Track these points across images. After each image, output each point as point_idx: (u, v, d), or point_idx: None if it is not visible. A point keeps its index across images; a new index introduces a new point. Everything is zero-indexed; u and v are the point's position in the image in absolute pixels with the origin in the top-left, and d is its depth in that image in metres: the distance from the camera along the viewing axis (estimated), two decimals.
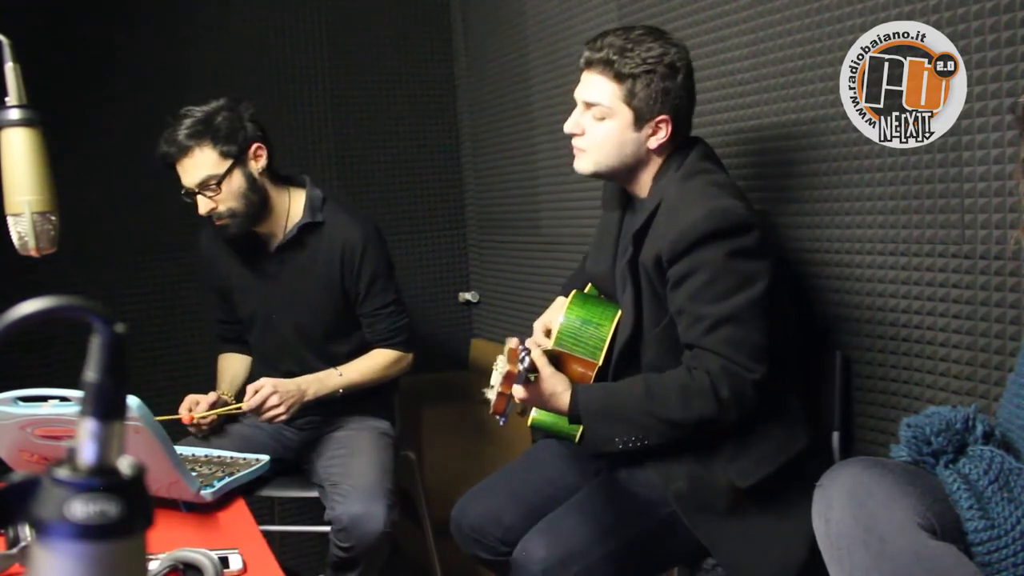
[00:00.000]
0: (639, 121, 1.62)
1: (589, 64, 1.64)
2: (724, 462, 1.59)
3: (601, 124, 1.64)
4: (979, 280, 1.51)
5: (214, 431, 2.19)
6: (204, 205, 2.07)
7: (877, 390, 1.73)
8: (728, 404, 1.51)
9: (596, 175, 1.70)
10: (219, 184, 2.05)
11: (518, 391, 1.51)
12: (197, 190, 2.06)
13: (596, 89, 1.63)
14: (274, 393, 2.04)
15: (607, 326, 1.71)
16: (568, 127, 1.68)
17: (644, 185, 1.69)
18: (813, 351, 1.82)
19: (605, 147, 1.64)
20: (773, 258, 1.58)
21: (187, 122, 2.04)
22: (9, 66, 1.34)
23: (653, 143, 1.64)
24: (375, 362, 2.25)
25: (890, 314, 1.68)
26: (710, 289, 1.52)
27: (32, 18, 2.55)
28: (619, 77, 1.60)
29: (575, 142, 1.68)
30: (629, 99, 1.61)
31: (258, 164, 2.12)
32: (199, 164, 2.04)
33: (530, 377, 1.53)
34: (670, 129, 1.63)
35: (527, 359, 1.46)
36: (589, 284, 1.89)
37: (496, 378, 1.47)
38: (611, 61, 1.60)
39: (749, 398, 1.52)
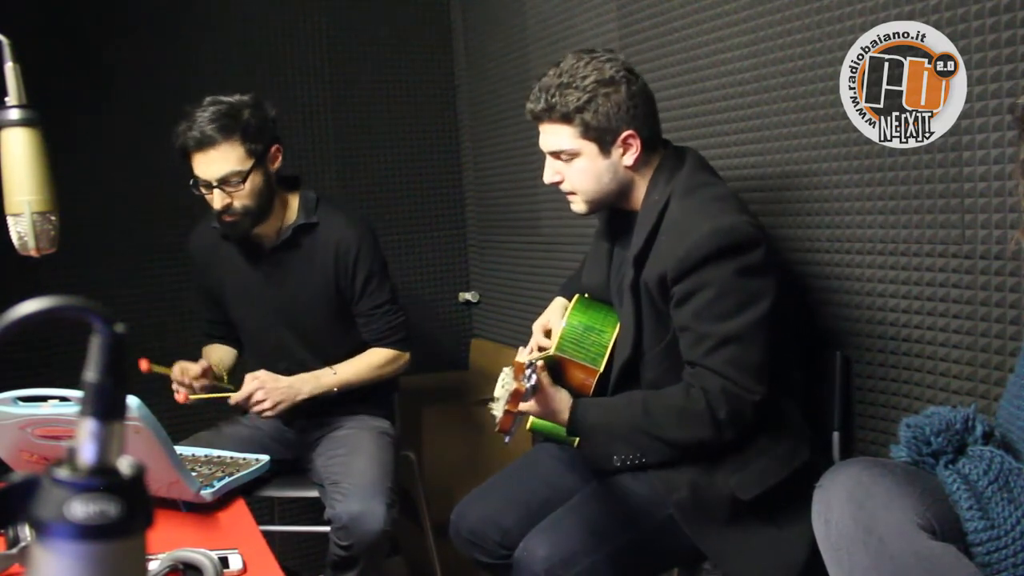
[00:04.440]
0: (604, 147, 1.61)
1: (536, 117, 1.65)
2: (726, 474, 1.59)
3: (572, 165, 1.64)
4: (979, 280, 1.51)
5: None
6: (220, 200, 2.03)
7: (877, 390, 1.73)
8: (725, 425, 1.52)
9: (593, 211, 1.71)
10: (243, 181, 2.02)
11: (524, 406, 1.52)
12: (216, 184, 2.02)
13: (553, 137, 1.63)
14: (260, 388, 2.05)
15: (609, 333, 1.71)
16: (547, 179, 1.68)
17: (638, 202, 1.68)
18: (813, 351, 1.83)
19: (586, 184, 1.65)
20: (778, 272, 1.58)
21: (212, 112, 1.99)
22: (9, 66, 1.34)
23: (628, 160, 1.63)
24: (370, 361, 2.25)
25: (890, 314, 1.68)
26: (716, 307, 1.51)
27: (32, 18, 2.55)
28: (566, 118, 1.60)
29: (562, 187, 1.68)
30: (585, 133, 1.60)
31: (274, 166, 2.11)
32: (224, 158, 2.00)
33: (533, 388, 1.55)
34: (639, 141, 1.62)
35: (534, 376, 1.45)
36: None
37: (502, 394, 1.46)
38: (552, 106, 1.60)
39: (747, 418, 1.53)
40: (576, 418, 1.58)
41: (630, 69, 1.63)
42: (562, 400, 1.59)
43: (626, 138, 1.61)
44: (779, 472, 1.59)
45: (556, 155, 1.66)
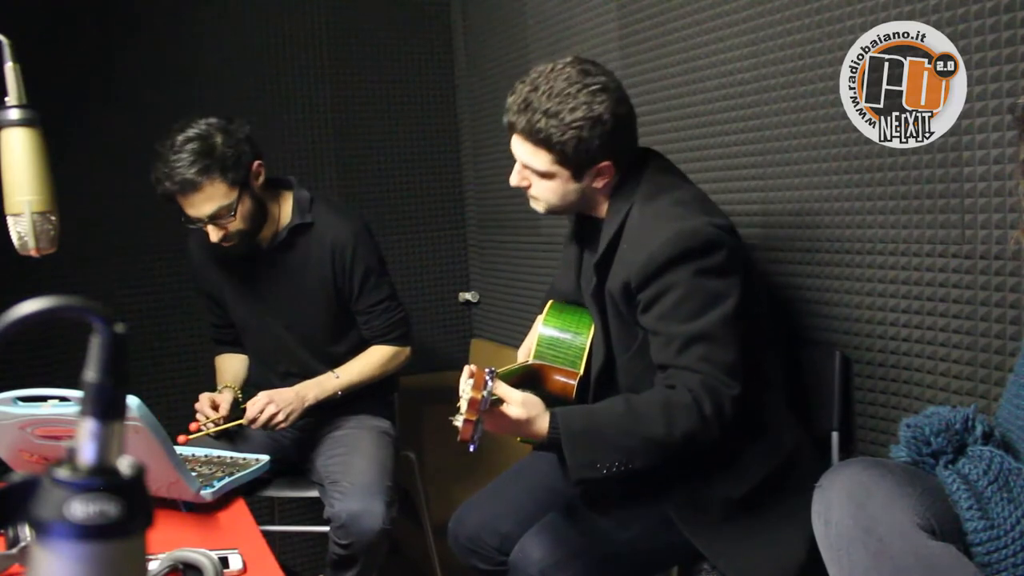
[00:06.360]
0: (578, 174, 1.58)
1: (513, 128, 1.58)
2: (716, 472, 1.59)
3: (542, 181, 1.61)
4: (979, 280, 1.51)
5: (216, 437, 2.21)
6: (216, 233, 2.03)
7: (877, 390, 1.73)
8: (711, 419, 1.49)
9: (552, 214, 1.70)
10: (234, 212, 2.01)
11: (490, 422, 1.45)
12: (207, 220, 2.01)
13: (528, 156, 1.58)
14: (270, 403, 2.07)
15: (585, 334, 1.70)
16: (513, 182, 1.65)
17: (602, 209, 1.67)
18: (813, 351, 1.83)
19: (552, 198, 1.63)
20: (743, 272, 1.56)
21: (188, 153, 1.95)
22: (9, 66, 1.34)
23: (599, 184, 1.61)
24: (372, 359, 2.26)
25: (890, 314, 1.68)
26: (680, 309, 1.51)
27: (32, 18, 2.55)
28: (547, 145, 1.54)
29: (527, 191, 1.66)
30: (563, 161, 1.56)
31: (259, 181, 2.10)
32: (209, 198, 1.98)
33: (494, 402, 1.45)
34: (613, 170, 1.60)
35: (490, 383, 1.39)
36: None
37: (462, 405, 1.42)
38: (535, 131, 1.53)
39: (728, 414, 1.51)
40: (557, 423, 1.48)
41: (619, 98, 1.56)
42: (535, 406, 1.48)
43: (600, 168, 1.58)
44: (763, 468, 1.59)
45: (527, 167, 1.62)
